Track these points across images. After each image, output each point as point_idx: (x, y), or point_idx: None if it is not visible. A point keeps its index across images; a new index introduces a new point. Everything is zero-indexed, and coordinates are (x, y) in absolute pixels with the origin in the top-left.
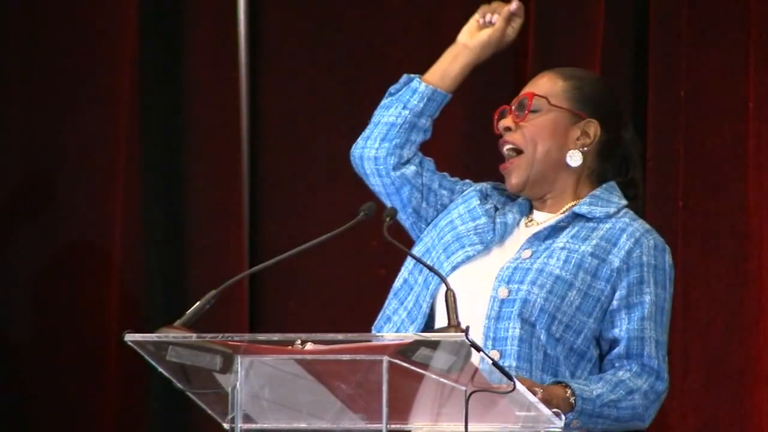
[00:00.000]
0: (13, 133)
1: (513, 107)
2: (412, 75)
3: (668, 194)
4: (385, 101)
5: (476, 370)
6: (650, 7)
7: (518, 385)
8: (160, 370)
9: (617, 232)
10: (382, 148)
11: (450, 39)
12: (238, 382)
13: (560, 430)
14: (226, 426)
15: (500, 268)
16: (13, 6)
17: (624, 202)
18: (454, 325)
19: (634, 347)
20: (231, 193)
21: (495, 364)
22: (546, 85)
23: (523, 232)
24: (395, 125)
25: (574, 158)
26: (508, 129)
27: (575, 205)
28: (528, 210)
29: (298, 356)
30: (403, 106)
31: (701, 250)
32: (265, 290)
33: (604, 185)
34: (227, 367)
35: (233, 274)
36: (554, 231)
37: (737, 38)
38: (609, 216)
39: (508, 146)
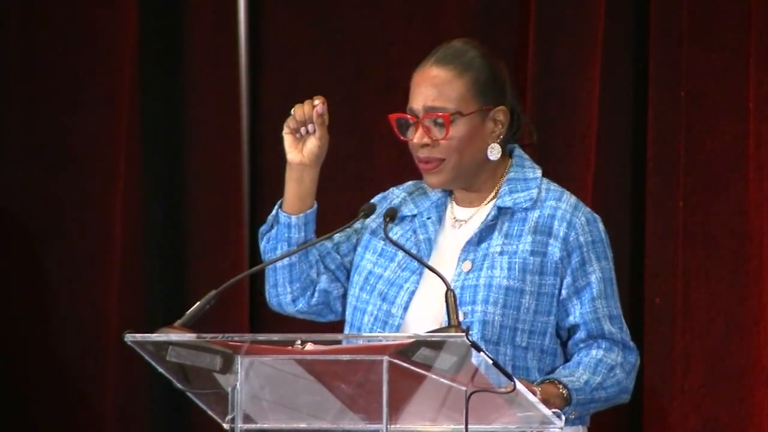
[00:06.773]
0: (13, 133)
1: (426, 123)
2: (276, 210)
3: (668, 194)
4: (266, 245)
5: (476, 370)
6: (650, 7)
7: (518, 385)
8: (160, 370)
9: (548, 219)
10: (296, 289)
11: (450, 38)
12: (238, 383)
13: (560, 430)
14: (226, 426)
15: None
16: (13, 6)
17: (539, 172)
18: (454, 325)
19: (593, 329)
20: (231, 193)
21: (495, 364)
22: (449, 91)
23: (451, 237)
24: (293, 264)
25: (495, 152)
26: (425, 145)
27: (496, 196)
28: (444, 205)
29: (298, 356)
30: (288, 244)
31: (701, 250)
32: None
33: (514, 158)
34: (227, 367)
35: (233, 274)
36: (485, 231)
37: (737, 38)
38: (534, 201)
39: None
